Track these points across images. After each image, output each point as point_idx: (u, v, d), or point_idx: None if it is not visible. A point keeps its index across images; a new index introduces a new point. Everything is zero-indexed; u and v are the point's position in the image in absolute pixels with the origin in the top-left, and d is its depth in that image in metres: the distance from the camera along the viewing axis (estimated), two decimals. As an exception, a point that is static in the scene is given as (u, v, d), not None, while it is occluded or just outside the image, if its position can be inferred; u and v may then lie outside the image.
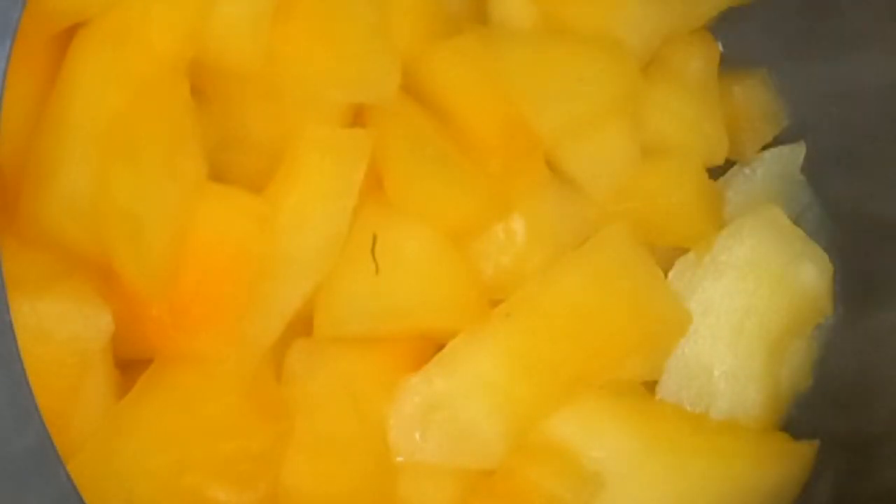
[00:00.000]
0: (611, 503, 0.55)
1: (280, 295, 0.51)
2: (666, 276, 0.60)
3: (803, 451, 0.60)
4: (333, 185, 0.52)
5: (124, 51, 0.46)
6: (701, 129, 0.63)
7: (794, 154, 0.65)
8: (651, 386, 0.59)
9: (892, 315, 0.62)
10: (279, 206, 0.50)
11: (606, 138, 0.59)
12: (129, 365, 0.48)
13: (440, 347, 0.54)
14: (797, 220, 0.62)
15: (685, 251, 0.61)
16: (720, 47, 0.66)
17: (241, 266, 0.49)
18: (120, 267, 0.45)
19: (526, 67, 0.57)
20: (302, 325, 0.52)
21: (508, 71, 0.56)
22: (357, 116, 0.55)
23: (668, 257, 0.61)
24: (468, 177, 0.55)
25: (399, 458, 0.52)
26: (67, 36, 0.46)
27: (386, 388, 0.53)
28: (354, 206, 0.52)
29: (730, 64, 0.66)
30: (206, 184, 0.49)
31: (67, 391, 0.46)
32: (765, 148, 0.66)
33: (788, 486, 0.60)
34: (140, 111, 0.46)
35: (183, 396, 0.48)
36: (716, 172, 0.64)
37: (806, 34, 0.65)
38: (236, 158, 0.52)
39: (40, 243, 0.45)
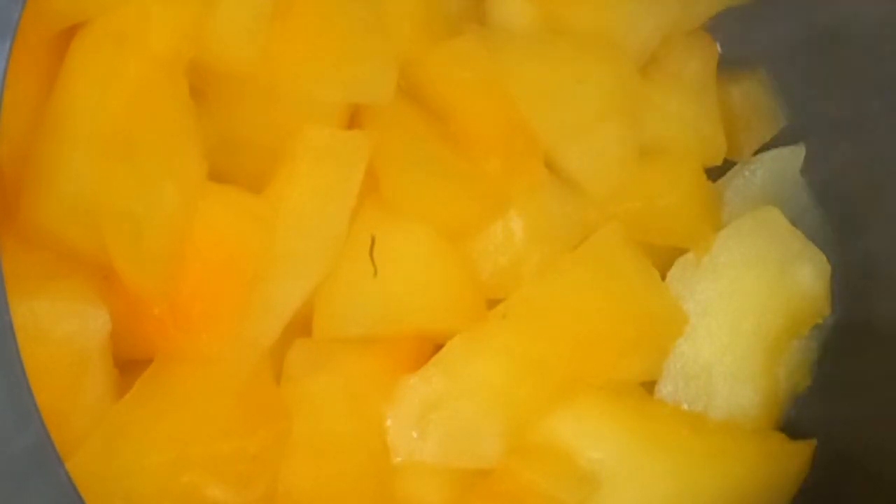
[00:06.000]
0: (609, 503, 0.55)
1: (279, 295, 0.51)
2: (665, 276, 0.60)
3: (801, 451, 0.60)
4: (332, 186, 0.52)
5: (123, 51, 0.46)
6: (699, 129, 0.63)
7: (794, 155, 0.65)
8: (650, 386, 0.59)
9: (891, 316, 0.62)
10: (278, 207, 0.50)
11: (605, 138, 0.59)
12: (129, 365, 0.49)
13: (439, 348, 0.54)
14: (796, 222, 0.62)
15: (684, 251, 0.61)
16: (718, 47, 0.67)
17: (241, 266, 0.49)
18: (120, 267, 0.45)
19: (525, 68, 0.57)
20: (301, 326, 0.52)
21: (507, 72, 0.56)
22: (354, 118, 0.55)
23: (667, 257, 0.61)
24: (465, 177, 0.55)
25: (397, 458, 0.53)
26: (67, 36, 0.46)
27: (385, 388, 0.53)
28: (353, 207, 0.52)
29: (728, 64, 0.66)
30: (206, 184, 0.49)
31: (66, 390, 0.46)
32: (764, 149, 0.66)
33: (786, 486, 0.60)
34: (139, 111, 0.46)
35: (182, 396, 0.48)
36: (715, 173, 0.64)
37: (804, 33, 0.65)
38: (236, 159, 0.52)
39: (40, 243, 0.45)
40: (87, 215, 0.45)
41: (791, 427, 0.62)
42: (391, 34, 0.54)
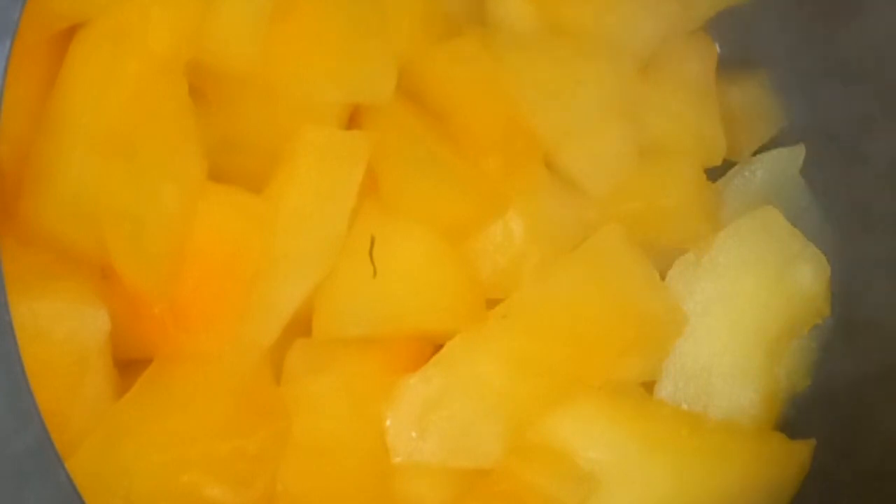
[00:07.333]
0: (608, 503, 0.55)
1: (279, 295, 0.51)
2: (665, 276, 0.60)
3: (800, 451, 0.60)
4: (332, 186, 0.52)
5: (123, 51, 0.46)
6: (699, 129, 0.63)
7: (794, 156, 0.65)
8: (649, 386, 0.59)
9: (891, 316, 0.62)
10: (278, 207, 0.50)
11: (604, 139, 0.59)
12: (129, 365, 0.49)
13: (439, 348, 0.54)
14: (796, 222, 0.62)
15: (684, 251, 0.61)
16: (718, 48, 0.67)
17: (241, 266, 0.49)
18: (120, 267, 0.45)
19: (524, 69, 0.57)
20: (301, 326, 0.52)
21: (507, 72, 0.56)
22: (354, 118, 0.55)
23: (667, 257, 0.61)
24: (465, 177, 0.55)
25: (397, 459, 0.52)
26: (67, 36, 0.46)
27: (384, 388, 0.53)
28: (353, 207, 0.52)
29: (727, 64, 0.66)
30: (206, 184, 0.49)
31: (66, 390, 0.46)
32: (764, 149, 0.66)
33: (785, 485, 0.60)
34: (139, 111, 0.46)
35: (181, 396, 0.48)
36: (715, 173, 0.64)
37: (803, 34, 0.65)
38: (235, 159, 0.52)
39: (40, 243, 0.45)
40: (87, 215, 0.45)
41: (791, 427, 0.62)
42: (391, 34, 0.54)
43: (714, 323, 0.60)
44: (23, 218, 0.45)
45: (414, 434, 0.53)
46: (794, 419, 0.63)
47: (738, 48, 0.67)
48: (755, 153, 0.66)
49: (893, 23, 0.61)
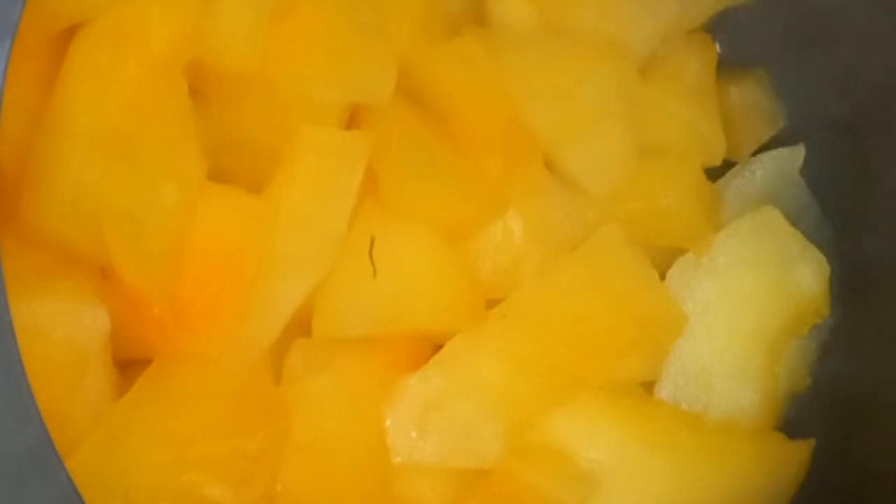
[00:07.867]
0: (608, 503, 0.55)
1: (279, 295, 0.51)
2: (665, 276, 0.60)
3: (800, 451, 0.60)
4: (332, 186, 0.52)
5: (123, 51, 0.46)
6: (698, 129, 0.63)
7: (794, 156, 0.65)
8: (649, 386, 0.59)
9: (890, 316, 0.62)
10: (278, 207, 0.50)
11: (604, 139, 0.59)
12: (129, 365, 0.49)
13: (439, 348, 0.54)
14: (795, 222, 0.62)
15: (684, 251, 0.61)
16: (717, 48, 0.67)
17: (241, 266, 0.49)
18: (120, 267, 0.45)
19: (525, 69, 0.57)
20: (301, 326, 0.52)
21: (507, 72, 0.56)
22: (353, 118, 0.55)
23: (667, 257, 0.61)
24: (465, 177, 0.55)
25: (397, 459, 0.52)
26: (67, 36, 0.46)
27: (384, 388, 0.53)
28: (353, 207, 0.52)
29: (727, 64, 0.66)
30: (206, 184, 0.49)
31: (65, 390, 0.46)
32: (764, 149, 0.66)
33: (785, 485, 0.60)
34: (139, 111, 0.46)
35: (181, 396, 0.48)
36: (715, 173, 0.64)
37: (803, 34, 0.65)
38: (235, 159, 0.52)
39: (40, 243, 0.45)
40: (87, 215, 0.45)
41: (791, 427, 0.62)
42: (391, 34, 0.54)
43: (714, 323, 0.60)
44: (23, 218, 0.45)
45: (414, 434, 0.53)
46: (794, 419, 0.63)
47: (738, 48, 0.67)
48: (755, 153, 0.66)
49: (893, 21, 0.61)
